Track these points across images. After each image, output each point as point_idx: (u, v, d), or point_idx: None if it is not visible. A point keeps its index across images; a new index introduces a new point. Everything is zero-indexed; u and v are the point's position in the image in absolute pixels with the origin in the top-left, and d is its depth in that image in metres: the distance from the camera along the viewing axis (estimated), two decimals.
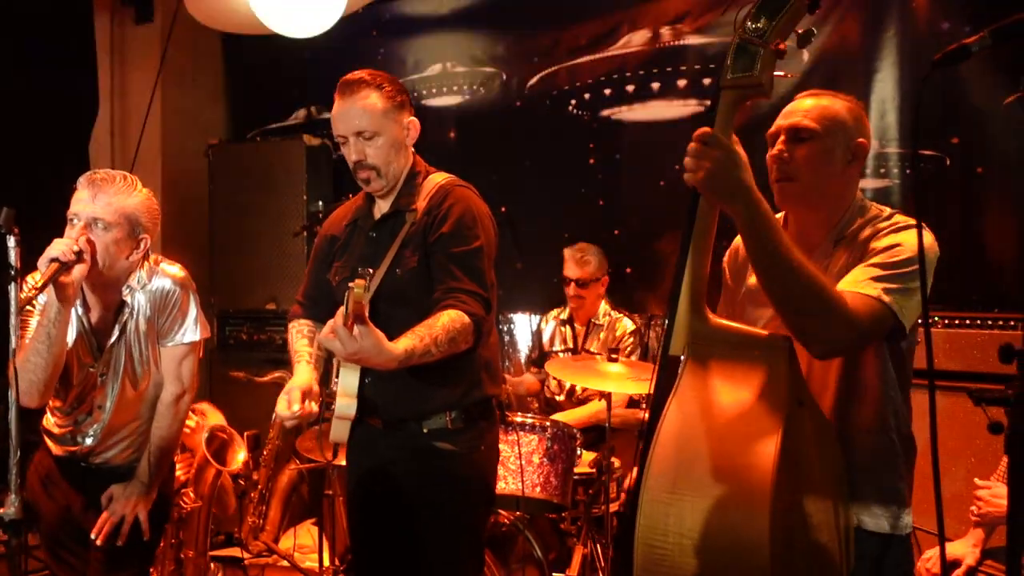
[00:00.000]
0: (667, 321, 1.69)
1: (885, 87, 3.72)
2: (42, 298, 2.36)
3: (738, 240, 2.11)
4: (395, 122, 2.27)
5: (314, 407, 2.15)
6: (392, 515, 2.34)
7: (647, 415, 1.70)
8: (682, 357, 1.65)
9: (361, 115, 2.23)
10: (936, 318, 3.26)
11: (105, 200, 2.29)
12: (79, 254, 2.18)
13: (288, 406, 2.11)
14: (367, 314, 1.91)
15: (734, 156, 1.61)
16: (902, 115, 3.69)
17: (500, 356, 2.49)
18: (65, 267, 2.15)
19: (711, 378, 1.62)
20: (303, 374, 2.25)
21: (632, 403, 3.81)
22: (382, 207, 2.36)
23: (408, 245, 2.25)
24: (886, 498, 1.82)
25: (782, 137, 1.88)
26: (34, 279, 2.38)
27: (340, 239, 2.43)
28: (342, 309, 1.91)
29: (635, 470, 1.73)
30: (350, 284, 1.84)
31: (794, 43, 1.66)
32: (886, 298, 1.70)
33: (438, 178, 2.35)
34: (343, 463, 2.52)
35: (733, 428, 1.56)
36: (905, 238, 1.77)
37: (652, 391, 1.70)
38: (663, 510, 1.54)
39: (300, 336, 2.43)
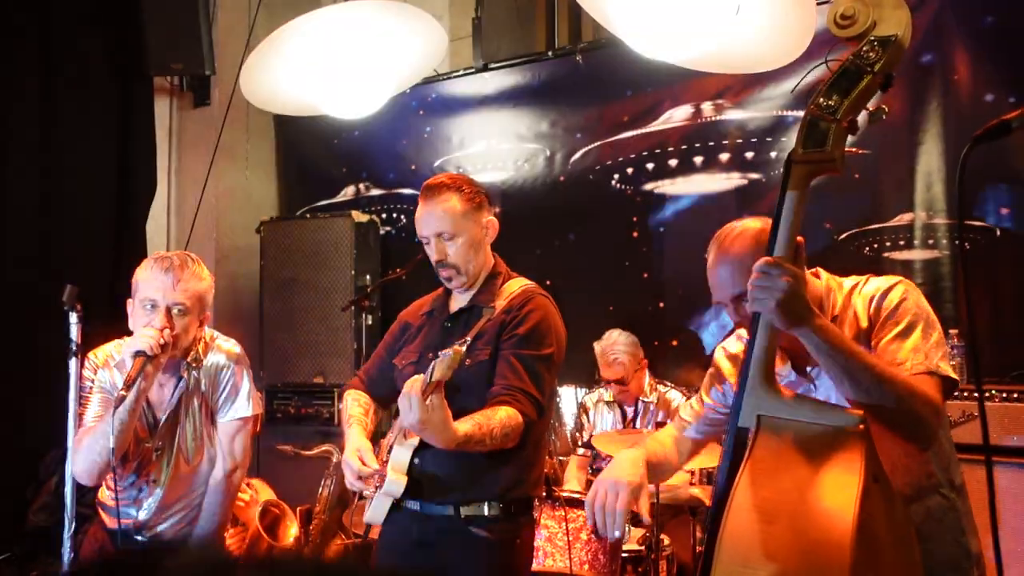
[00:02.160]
0: (737, 393, 1.68)
1: (931, 158, 3.73)
2: (104, 375, 2.43)
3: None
4: (474, 222, 2.36)
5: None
6: None
7: (715, 485, 1.67)
8: (752, 429, 1.63)
9: (442, 217, 2.32)
10: (993, 391, 3.19)
11: (183, 286, 2.36)
12: (164, 346, 2.25)
13: (364, 463, 2.18)
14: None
15: (800, 279, 1.60)
16: (948, 186, 3.68)
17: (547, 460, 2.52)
18: (150, 360, 2.21)
19: (784, 451, 1.60)
20: (362, 437, 2.30)
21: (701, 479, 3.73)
22: (460, 301, 2.43)
23: (481, 338, 2.29)
24: (953, 557, 1.79)
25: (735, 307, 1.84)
26: (95, 356, 2.45)
27: (414, 326, 2.50)
28: (422, 376, 1.95)
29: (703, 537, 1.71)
30: (445, 351, 1.89)
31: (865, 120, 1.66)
32: (940, 367, 1.72)
33: (521, 282, 2.43)
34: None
35: (808, 503, 1.53)
36: (898, 297, 1.79)
37: (721, 462, 1.69)
38: None
39: (356, 404, 2.47)
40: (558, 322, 2.38)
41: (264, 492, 3.61)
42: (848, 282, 1.91)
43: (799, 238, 1.84)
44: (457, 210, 2.33)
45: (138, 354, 2.20)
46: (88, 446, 2.29)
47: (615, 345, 3.93)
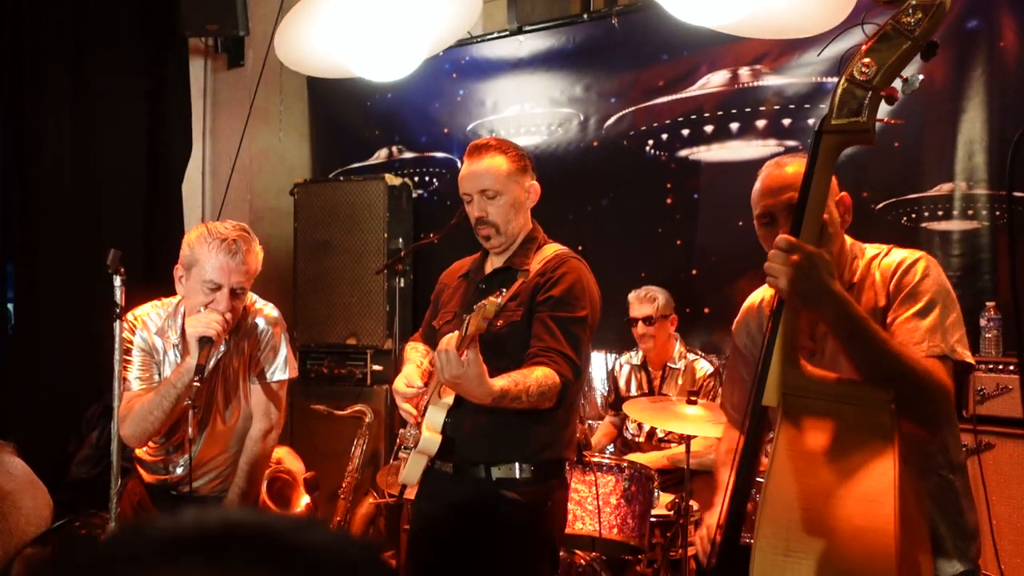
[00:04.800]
0: (759, 370, 1.64)
1: (973, 127, 3.65)
2: (142, 335, 2.48)
3: (751, 302, 2.11)
4: (517, 184, 2.40)
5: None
6: (453, 560, 2.36)
7: (737, 464, 1.66)
8: (777, 408, 1.59)
9: (486, 175, 2.37)
10: None
11: (246, 268, 2.42)
12: (227, 329, 2.33)
13: (408, 384, 2.32)
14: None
15: (815, 260, 1.57)
16: (991, 156, 3.60)
17: (578, 425, 2.57)
18: (213, 344, 2.30)
19: (814, 432, 1.56)
20: (411, 369, 2.42)
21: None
22: (495, 263, 2.47)
23: (515, 299, 2.32)
24: (955, 537, 1.80)
25: (783, 219, 1.78)
26: (132, 318, 2.49)
27: (450, 287, 2.57)
28: (457, 332, 1.99)
29: (719, 515, 1.72)
30: (481, 303, 1.92)
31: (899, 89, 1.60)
32: (957, 350, 1.70)
33: (555, 247, 2.46)
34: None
35: (847, 487, 1.50)
36: (920, 274, 1.77)
37: (743, 441, 1.67)
38: (779, 573, 1.46)
39: (414, 350, 2.59)
40: (592, 285, 2.40)
41: (290, 463, 3.68)
42: (871, 250, 1.88)
43: (845, 195, 1.86)
44: (503, 169, 2.37)
45: (206, 342, 2.25)
46: (140, 415, 2.35)
47: (651, 287, 4.01)
